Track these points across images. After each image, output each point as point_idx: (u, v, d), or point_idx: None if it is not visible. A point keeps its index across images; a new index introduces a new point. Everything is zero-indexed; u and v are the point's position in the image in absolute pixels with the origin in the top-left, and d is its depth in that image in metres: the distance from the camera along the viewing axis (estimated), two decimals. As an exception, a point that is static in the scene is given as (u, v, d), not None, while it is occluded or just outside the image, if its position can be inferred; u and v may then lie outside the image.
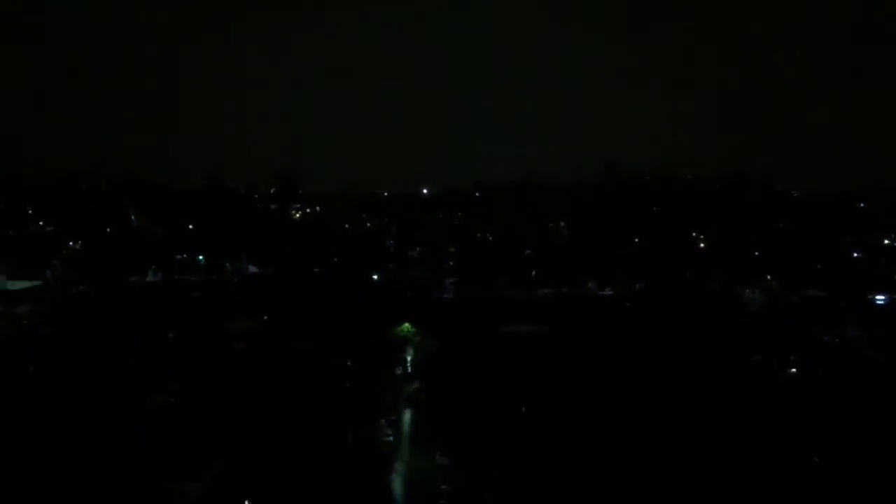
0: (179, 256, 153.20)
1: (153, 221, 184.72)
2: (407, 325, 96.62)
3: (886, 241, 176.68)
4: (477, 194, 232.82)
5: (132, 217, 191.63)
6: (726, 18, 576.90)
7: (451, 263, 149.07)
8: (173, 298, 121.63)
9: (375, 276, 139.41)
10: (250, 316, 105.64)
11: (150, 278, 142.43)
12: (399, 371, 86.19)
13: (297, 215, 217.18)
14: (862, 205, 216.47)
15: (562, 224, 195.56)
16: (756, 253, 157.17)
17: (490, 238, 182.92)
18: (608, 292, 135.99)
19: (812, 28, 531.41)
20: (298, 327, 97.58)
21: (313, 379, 75.34)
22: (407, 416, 73.80)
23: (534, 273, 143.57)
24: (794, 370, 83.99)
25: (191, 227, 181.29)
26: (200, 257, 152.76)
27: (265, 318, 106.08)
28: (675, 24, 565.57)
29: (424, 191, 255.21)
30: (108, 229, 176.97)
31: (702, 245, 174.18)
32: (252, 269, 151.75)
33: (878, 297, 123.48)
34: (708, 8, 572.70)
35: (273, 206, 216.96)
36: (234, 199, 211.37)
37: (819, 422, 65.76)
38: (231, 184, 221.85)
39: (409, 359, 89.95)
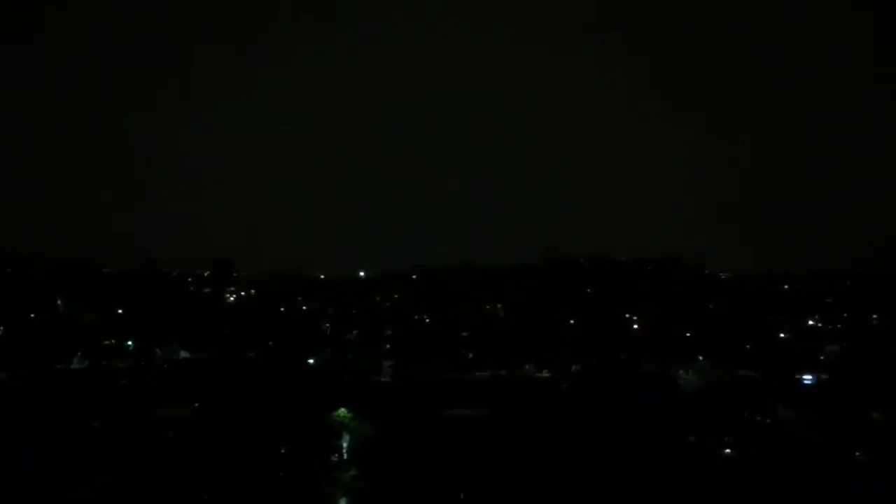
0: (107, 342, 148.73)
1: (82, 306, 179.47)
2: (343, 409, 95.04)
3: (811, 322, 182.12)
4: (414, 277, 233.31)
5: (59, 301, 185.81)
6: (665, 103, 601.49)
7: (388, 346, 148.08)
8: (100, 386, 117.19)
9: (311, 360, 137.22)
10: (181, 403, 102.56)
11: (76, 365, 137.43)
12: (335, 458, 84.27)
13: (232, 298, 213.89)
14: (786, 286, 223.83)
15: (499, 306, 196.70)
16: (688, 334, 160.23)
17: (427, 321, 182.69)
18: (545, 374, 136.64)
19: (748, 112, 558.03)
20: (231, 414, 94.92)
21: (246, 467, 73.27)
22: (343, 504, 71.95)
23: (471, 356, 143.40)
24: (728, 451, 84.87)
25: (120, 311, 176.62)
26: (129, 342, 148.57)
27: (196, 404, 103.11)
28: (611, 109, 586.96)
29: (361, 273, 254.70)
30: (32, 315, 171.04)
31: (636, 326, 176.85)
32: (184, 353, 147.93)
33: (805, 376, 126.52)
34: (645, 95, 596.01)
35: (206, 290, 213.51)
36: (166, 282, 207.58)
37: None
38: (166, 268, 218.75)
39: (345, 445, 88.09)
